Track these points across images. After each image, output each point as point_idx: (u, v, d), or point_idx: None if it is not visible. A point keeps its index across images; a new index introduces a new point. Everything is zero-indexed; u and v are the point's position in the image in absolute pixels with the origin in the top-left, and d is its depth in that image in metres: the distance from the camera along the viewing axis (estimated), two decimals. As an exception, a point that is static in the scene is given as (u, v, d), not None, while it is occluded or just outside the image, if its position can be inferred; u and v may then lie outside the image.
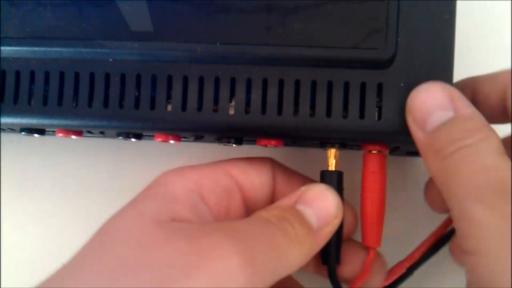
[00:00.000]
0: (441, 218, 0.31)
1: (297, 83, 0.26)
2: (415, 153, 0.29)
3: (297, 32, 0.26)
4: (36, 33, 0.27)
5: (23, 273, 0.32)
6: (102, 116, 0.27)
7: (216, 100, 0.26)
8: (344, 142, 0.27)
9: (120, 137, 0.28)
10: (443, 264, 0.31)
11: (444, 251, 0.29)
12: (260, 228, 0.22)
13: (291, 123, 0.26)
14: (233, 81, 0.26)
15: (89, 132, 0.29)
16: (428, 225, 0.31)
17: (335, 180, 0.27)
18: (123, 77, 0.26)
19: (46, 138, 0.31)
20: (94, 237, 0.22)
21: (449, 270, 0.32)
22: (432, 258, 0.29)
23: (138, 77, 0.26)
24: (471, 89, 0.26)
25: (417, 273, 0.29)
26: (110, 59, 0.26)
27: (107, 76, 0.27)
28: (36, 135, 0.28)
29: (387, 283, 0.29)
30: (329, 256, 0.27)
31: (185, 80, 0.26)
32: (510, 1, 0.33)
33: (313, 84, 0.26)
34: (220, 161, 0.27)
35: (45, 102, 0.27)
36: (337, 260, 0.27)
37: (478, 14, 0.33)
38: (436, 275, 0.32)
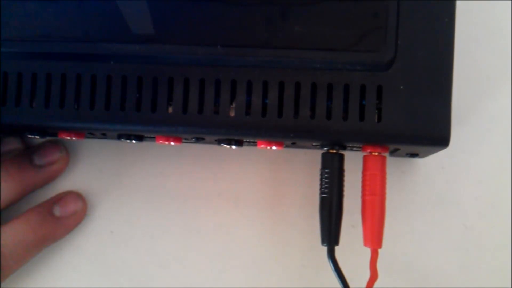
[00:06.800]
0: (440, 218, 0.31)
1: (297, 85, 0.26)
2: (415, 154, 0.29)
3: (297, 34, 0.26)
4: (38, 36, 0.27)
5: (23, 273, 0.33)
6: (104, 119, 0.27)
7: (216, 103, 0.26)
8: (344, 144, 0.27)
9: (121, 139, 0.28)
10: None
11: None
12: None
13: (291, 126, 0.26)
14: (233, 84, 0.26)
15: (91, 134, 0.29)
16: (428, 225, 0.32)
17: (336, 162, 0.27)
18: (124, 79, 0.27)
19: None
20: None
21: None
22: None
23: (140, 79, 0.26)
24: None
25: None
26: (112, 62, 0.27)
27: (109, 79, 0.27)
28: (37, 137, 0.28)
29: None
30: (328, 237, 0.27)
31: (186, 82, 0.26)
32: (510, 1, 0.33)
33: (313, 86, 0.26)
34: None
35: (46, 105, 0.27)
36: (336, 241, 0.27)
37: (478, 14, 0.33)
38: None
